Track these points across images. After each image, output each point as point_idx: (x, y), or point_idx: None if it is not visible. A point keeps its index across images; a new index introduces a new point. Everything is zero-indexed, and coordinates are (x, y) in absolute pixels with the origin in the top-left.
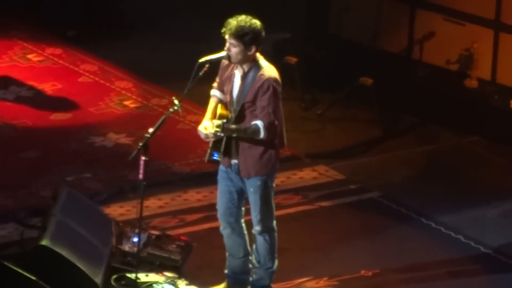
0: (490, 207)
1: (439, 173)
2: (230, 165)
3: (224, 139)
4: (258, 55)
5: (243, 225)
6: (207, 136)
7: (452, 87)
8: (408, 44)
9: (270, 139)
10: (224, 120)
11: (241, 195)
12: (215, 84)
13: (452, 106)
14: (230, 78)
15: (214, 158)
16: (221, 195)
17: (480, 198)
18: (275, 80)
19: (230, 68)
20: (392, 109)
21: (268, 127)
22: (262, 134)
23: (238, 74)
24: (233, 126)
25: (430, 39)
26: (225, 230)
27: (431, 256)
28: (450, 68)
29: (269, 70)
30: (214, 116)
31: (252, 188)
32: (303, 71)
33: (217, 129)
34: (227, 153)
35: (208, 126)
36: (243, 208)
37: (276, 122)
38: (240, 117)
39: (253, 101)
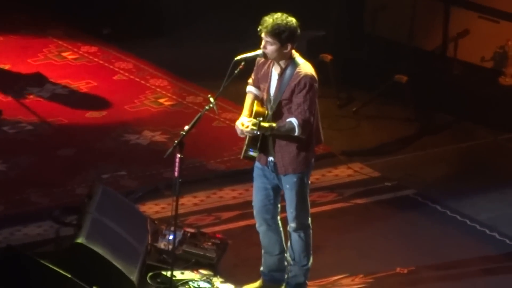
0: None
1: (475, 170)
2: (266, 163)
3: (260, 136)
4: (294, 52)
5: (279, 222)
6: (242, 132)
7: (487, 85)
8: (443, 42)
9: (306, 136)
10: (260, 119)
11: (277, 192)
12: (250, 81)
13: (487, 104)
14: (267, 75)
15: (250, 154)
16: (257, 192)
17: None
18: (311, 77)
19: (267, 65)
20: (427, 106)
21: (303, 124)
22: (297, 131)
23: (275, 71)
24: (269, 124)
25: (464, 36)
26: (261, 227)
27: (466, 253)
28: (484, 66)
29: (305, 67)
30: (250, 113)
31: (288, 185)
32: (338, 68)
33: (254, 127)
34: (264, 150)
35: (244, 123)
36: (279, 206)
37: (312, 119)
38: (277, 114)
39: (290, 99)
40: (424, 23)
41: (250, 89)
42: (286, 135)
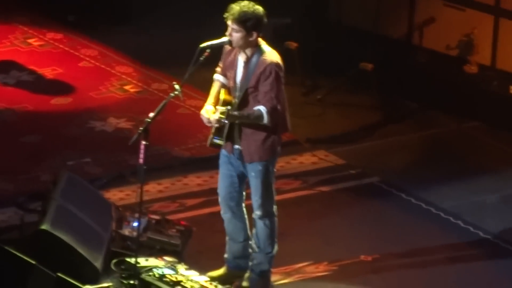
0: (490, 192)
1: (439, 158)
2: (232, 150)
3: (227, 124)
4: (260, 40)
5: (244, 209)
6: (209, 120)
7: (452, 73)
8: (408, 30)
9: (273, 124)
10: (229, 107)
11: (242, 179)
12: (218, 69)
13: (452, 92)
14: (233, 63)
15: (217, 142)
16: (222, 179)
17: (479, 184)
18: (277, 65)
19: (233, 53)
20: (392, 94)
21: (271, 112)
22: (265, 119)
23: (241, 59)
24: (237, 113)
25: (430, 24)
26: (225, 215)
27: (431, 241)
28: (450, 54)
29: (271, 55)
30: (217, 101)
31: (254, 173)
32: (304, 56)
33: (222, 116)
34: (230, 138)
35: (209, 110)
36: (244, 193)
37: (279, 107)
38: (243, 102)
39: (256, 87)
40: (390, 11)
41: (218, 77)
42: (253, 123)
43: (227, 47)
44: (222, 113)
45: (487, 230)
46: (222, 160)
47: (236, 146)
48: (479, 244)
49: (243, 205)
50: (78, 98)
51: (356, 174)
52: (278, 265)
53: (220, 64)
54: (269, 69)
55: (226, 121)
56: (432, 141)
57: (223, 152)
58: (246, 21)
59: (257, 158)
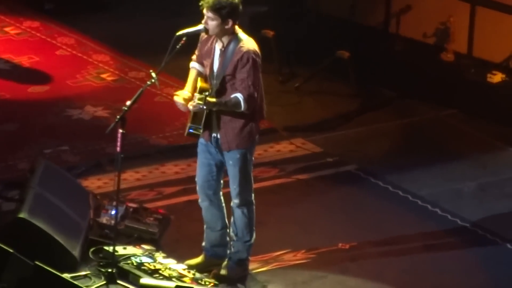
0: (467, 180)
1: (416, 146)
2: (210, 139)
3: (205, 112)
4: (237, 28)
5: (222, 198)
6: (183, 104)
7: (429, 61)
8: (385, 18)
9: (250, 111)
10: (206, 93)
11: (220, 168)
12: (194, 57)
13: (429, 80)
14: (210, 51)
15: (194, 131)
16: (200, 168)
17: (457, 172)
18: (254, 52)
19: (210, 41)
20: (369, 82)
21: (248, 99)
22: (242, 107)
23: (218, 47)
24: (215, 100)
25: (407, 12)
26: (203, 203)
27: (408, 229)
28: (427, 42)
29: (248, 42)
30: (194, 89)
31: (232, 161)
32: (280, 44)
33: (200, 102)
34: (208, 127)
35: (184, 95)
36: (221, 181)
37: (256, 94)
38: (220, 90)
39: (233, 74)
40: None
41: (194, 65)
42: (231, 111)
43: (204, 35)
44: (199, 99)
45: (464, 218)
46: (200, 149)
47: (214, 134)
48: (457, 232)
49: (221, 193)
50: (55, 87)
51: (333, 162)
52: (256, 253)
53: (196, 52)
54: (246, 56)
55: (204, 107)
56: (410, 129)
57: (201, 140)
58: (221, 9)
59: (234, 146)
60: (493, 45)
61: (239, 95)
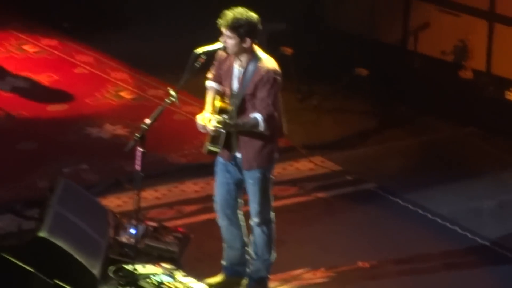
0: (487, 198)
1: (435, 164)
2: (230, 158)
3: (225, 132)
4: (255, 47)
5: (241, 216)
6: (204, 127)
7: (447, 78)
8: (403, 35)
9: (270, 131)
10: (225, 116)
11: (239, 186)
12: (210, 75)
13: (447, 97)
14: (229, 71)
15: (213, 149)
16: (219, 186)
17: (476, 189)
18: (274, 71)
19: (228, 61)
20: (387, 100)
21: (267, 119)
22: (261, 127)
23: (236, 66)
24: (234, 121)
25: (425, 30)
26: (222, 222)
27: (428, 247)
28: (445, 59)
29: (268, 61)
30: (214, 109)
31: (252, 180)
32: (299, 62)
33: (218, 125)
34: (227, 146)
35: (206, 118)
36: (240, 200)
37: (276, 114)
38: (240, 109)
39: (254, 93)
40: (385, 16)
41: (211, 84)
42: (250, 130)
43: (221, 54)
44: (218, 122)
45: (484, 236)
46: (219, 168)
47: (234, 154)
48: (477, 250)
49: (240, 212)
50: (74, 105)
51: (352, 180)
52: (275, 272)
53: (213, 71)
54: (267, 76)
55: (223, 130)
56: (428, 147)
57: (220, 159)
58: (239, 28)
59: (255, 165)
60: (511, 62)
61: (258, 115)
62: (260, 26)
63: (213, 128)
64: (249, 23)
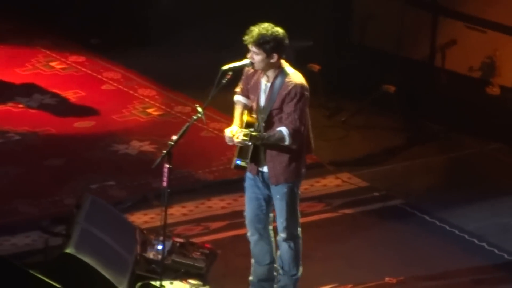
0: None
1: (463, 180)
2: (257, 173)
3: (251, 146)
4: (283, 62)
5: (271, 232)
6: (231, 140)
7: (475, 95)
8: (431, 52)
9: (296, 145)
10: (251, 129)
11: (269, 202)
12: (238, 90)
13: (474, 114)
14: (256, 86)
15: (240, 164)
16: (249, 202)
17: (504, 205)
18: (302, 86)
19: (256, 76)
20: (415, 116)
21: (293, 133)
22: (287, 141)
23: (264, 81)
24: (260, 135)
25: (452, 46)
26: (252, 237)
27: (455, 263)
28: (472, 76)
29: (295, 76)
30: (241, 123)
31: (279, 195)
32: (326, 78)
33: (245, 138)
34: (255, 160)
35: (234, 131)
36: (271, 215)
37: (302, 128)
38: (268, 124)
39: (281, 108)
40: (412, 33)
41: (239, 98)
42: (276, 144)
43: (249, 69)
44: (245, 135)
45: None
46: (248, 183)
47: (262, 168)
48: (504, 266)
49: (270, 227)
50: (101, 121)
51: (379, 196)
52: None
53: (241, 85)
54: (294, 91)
55: (249, 143)
56: (456, 163)
57: (248, 175)
58: (265, 44)
59: (283, 180)
60: None
61: (284, 129)
62: (287, 41)
63: (240, 140)
64: (275, 39)
